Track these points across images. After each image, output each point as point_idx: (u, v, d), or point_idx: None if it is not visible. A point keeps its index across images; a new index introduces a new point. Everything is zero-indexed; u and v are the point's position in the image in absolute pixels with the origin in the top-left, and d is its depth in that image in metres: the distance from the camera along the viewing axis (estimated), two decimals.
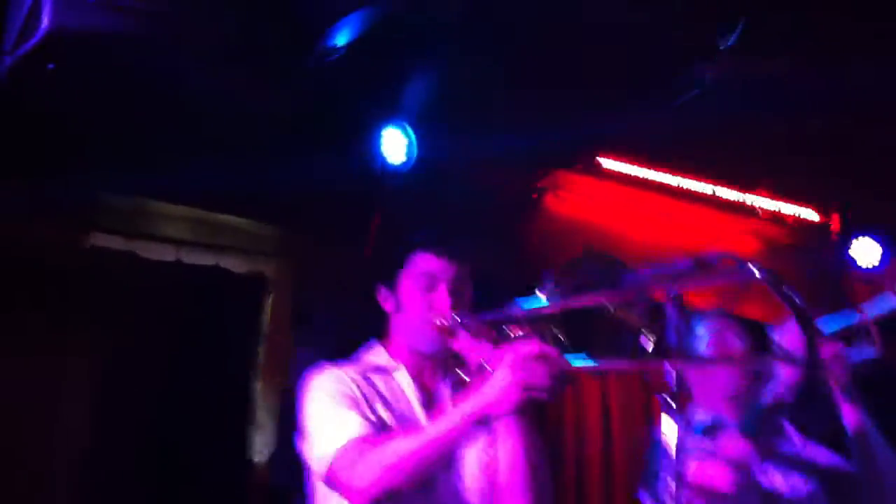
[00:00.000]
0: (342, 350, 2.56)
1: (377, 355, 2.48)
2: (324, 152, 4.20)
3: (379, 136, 4.35)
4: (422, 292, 2.39)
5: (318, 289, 4.44)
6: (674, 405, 1.96)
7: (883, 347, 2.34)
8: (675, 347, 2.05)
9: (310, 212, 4.38)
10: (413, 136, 4.40)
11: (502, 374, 1.92)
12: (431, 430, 2.05)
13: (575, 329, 2.01)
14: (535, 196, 5.02)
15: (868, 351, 2.39)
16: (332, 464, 2.18)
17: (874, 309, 2.42)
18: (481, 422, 1.99)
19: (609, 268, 2.07)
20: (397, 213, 4.42)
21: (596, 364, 2.01)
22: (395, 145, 4.38)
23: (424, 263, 2.42)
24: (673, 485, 1.88)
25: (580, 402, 5.21)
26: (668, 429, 1.94)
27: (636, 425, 5.19)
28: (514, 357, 1.90)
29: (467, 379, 2.28)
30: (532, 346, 1.92)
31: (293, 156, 4.04)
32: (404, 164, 4.40)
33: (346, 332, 2.57)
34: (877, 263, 5.46)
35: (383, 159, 4.36)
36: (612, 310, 2.00)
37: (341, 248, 4.39)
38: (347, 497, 2.16)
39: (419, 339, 2.40)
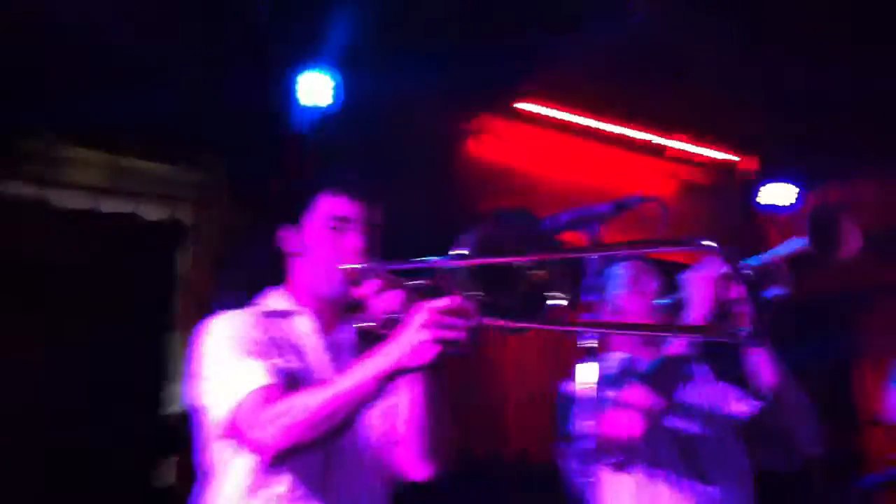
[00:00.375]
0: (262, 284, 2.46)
1: (278, 300, 2.35)
2: (245, 96, 4.12)
3: (301, 80, 4.30)
4: (329, 234, 2.27)
5: (240, 235, 4.37)
6: (591, 354, 1.99)
7: (792, 286, 2.41)
8: (594, 289, 2.09)
9: (230, 157, 4.31)
10: (336, 79, 4.35)
11: (417, 328, 1.82)
12: (343, 383, 1.94)
13: (490, 283, 1.98)
14: (457, 139, 5.03)
15: (778, 290, 2.45)
16: (233, 415, 2.06)
17: (785, 248, 2.48)
18: (394, 376, 1.90)
19: (525, 222, 2.06)
20: (320, 155, 4.37)
21: (511, 323, 1.97)
22: (317, 88, 4.33)
23: (334, 205, 2.29)
24: (587, 432, 1.91)
25: (497, 346, 5.28)
26: (585, 376, 1.96)
27: (552, 370, 5.28)
28: (430, 311, 1.81)
29: (371, 324, 2.17)
30: (449, 301, 1.83)
31: (213, 100, 3.96)
32: (328, 106, 4.35)
33: (271, 279, 2.46)
34: (789, 204, 5.62)
35: (306, 102, 4.31)
36: (528, 267, 1.99)
37: (263, 192, 4.32)
38: (251, 450, 2.06)
39: (324, 283, 2.27)
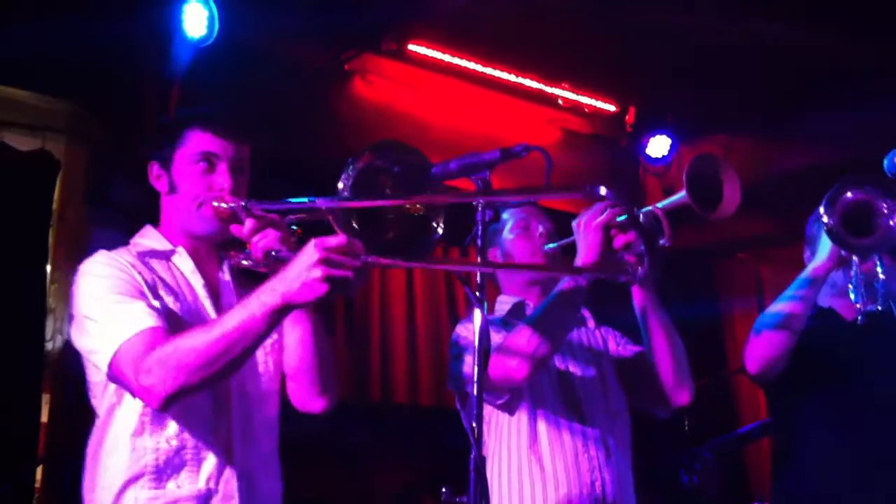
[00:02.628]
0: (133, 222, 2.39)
1: (152, 239, 2.29)
2: (120, 23, 3.94)
3: (179, 9, 4.13)
4: (199, 172, 2.22)
5: (114, 167, 4.21)
6: (479, 297, 2.00)
7: (672, 236, 2.47)
8: (482, 235, 2.10)
9: (104, 86, 4.13)
10: (215, 10, 4.20)
11: (308, 266, 1.80)
12: (230, 321, 1.91)
13: (370, 222, 1.97)
14: (341, 78, 4.94)
15: (658, 240, 2.51)
16: (117, 359, 2.01)
17: (667, 201, 2.54)
18: (282, 312, 1.89)
19: (409, 158, 2.04)
20: (197, 89, 4.23)
21: (399, 262, 1.96)
22: (196, 18, 4.17)
23: (202, 142, 2.23)
24: (475, 375, 1.93)
25: (385, 290, 5.29)
26: (474, 319, 1.98)
27: (441, 317, 5.34)
28: (319, 248, 1.79)
29: (249, 262, 2.17)
30: (339, 239, 1.82)
31: (86, 26, 3.77)
32: (205, 37, 4.20)
33: (148, 213, 2.39)
34: (664, 155, 5.76)
35: (183, 33, 4.15)
36: (407, 206, 1.99)
37: (137, 124, 4.17)
38: (138, 396, 2.02)
39: (195, 221, 2.24)
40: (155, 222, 2.34)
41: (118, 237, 2.33)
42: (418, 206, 2.00)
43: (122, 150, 4.17)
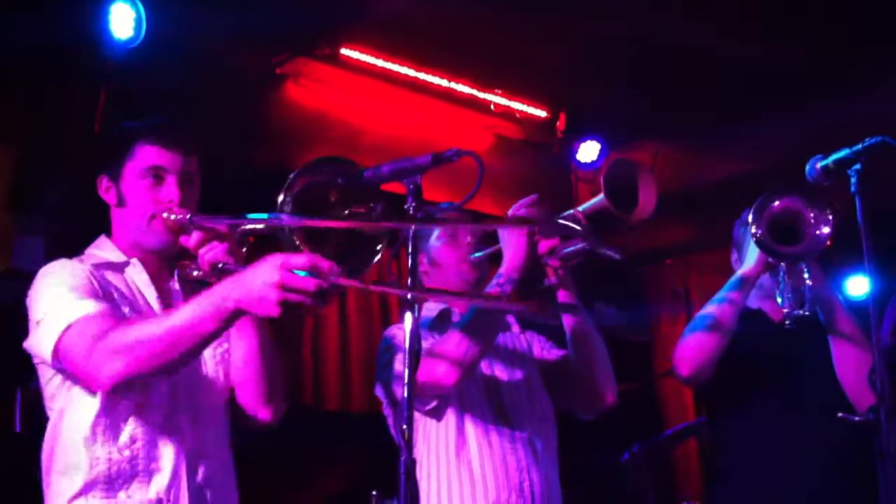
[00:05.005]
0: (73, 235, 2.39)
1: (106, 250, 2.31)
2: (46, 23, 3.87)
3: (106, 10, 4.06)
4: (147, 185, 2.24)
5: (42, 169, 4.13)
6: (411, 302, 2.02)
7: (594, 242, 2.51)
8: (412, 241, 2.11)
9: (29, 86, 4.05)
10: (142, 10, 4.13)
11: (264, 282, 1.80)
12: (180, 316, 1.93)
13: (314, 238, 1.99)
14: (273, 82, 4.90)
15: (581, 244, 2.56)
16: (63, 342, 2.02)
17: (587, 205, 2.59)
18: (233, 317, 1.90)
19: (347, 171, 2.06)
20: (125, 91, 4.17)
21: (353, 283, 2.01)
22: (123, 19, 4.10)
23: (150, 156, 2.26)
24: (405, 379, 1.95)
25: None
26: (405, 325, 1.99)
27: (373, 322, 5.32)
28: (281, 268, 1.79)
29: (195, 274, 2.20)
30: (303, 259, 1.82)
31: (11, 26, 3.69)
32: (132, 38, 4.13)
33: (78, 217, 2.38)
34: (595, 160, 5.83)
35: (110, 33, 4.08)
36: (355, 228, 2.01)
37: (64, 125, 4.09)
38: (83, 382, 2.04)
39: (146, 235, 2.26)
40: (86, 229, 2.34)
41: (50, 241, 2.32)
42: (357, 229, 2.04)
43: (49, 153, 4.09)
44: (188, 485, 2.15)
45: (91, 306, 2.07)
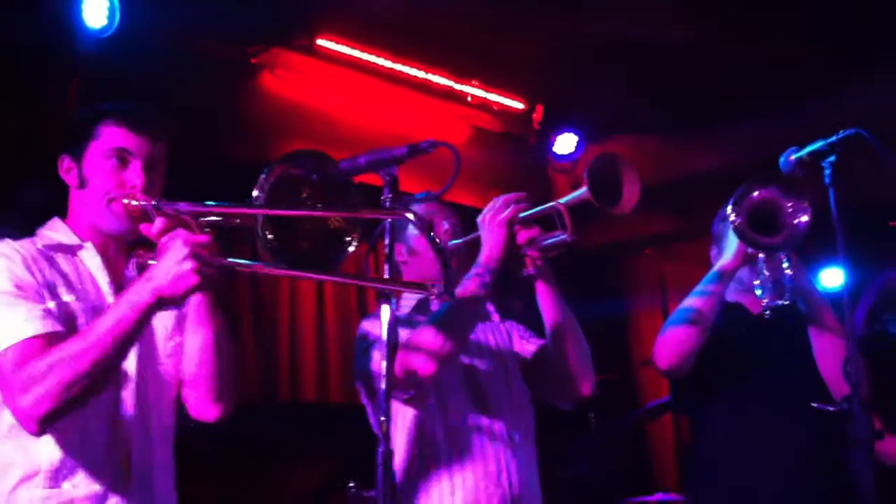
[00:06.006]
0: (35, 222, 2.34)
1: (59, 232, 2.23)
2: (18, 13, 3.82)
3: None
4: (111, 167, 2.17)
5: (10, 154, 4.07)
6: (386, 294, 2.01)
7: (574, 232, 2.51)
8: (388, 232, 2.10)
9: (1, 78, 4.00)
10: (116, 0, 4.09)
11: (177, 258, 1.85)
12: (100, 327, 1.90)
13: (284, 228, 1.98)
14: (249, 72, 4.88)
15: (561, 235, 2.55)
16: None
17: (569, 197, 2.58)
18: (153, 308, 1.90)
19: (321, 166, 2.05)
20: (98, 79, 4.13)
21: (302, 273, 2.01)
22: (96, 9, 4.06)
23: (116, 137, 2.18)
24: (382, 370, 1.94)
25: (295, 289, 5.24)
26: (381, 316, 1.99)
27: (350, 314, 5.32)
28: (187, 242, 1.84)
29: (152, 263, 2.09)
30: (204, 237, 1.88)
31: None
32: (106, 28, 4.09)
33: (53, 211, 2.33)
34: (572, 152, 5.84)
35: (84, 23, 4.04)
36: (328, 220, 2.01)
37: (34, 112, 4.04)
38: (15, 417, 1.97)
39: (104, 218, 2.19)
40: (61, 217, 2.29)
41: (15, 237, 2.26)
42: (337, 219, 2.02)
43: (20, 136, 4.04)
44: (134, 473, 2.12)
45: (20, 328, 1.99)
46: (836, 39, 4.59)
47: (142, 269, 2.23)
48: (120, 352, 1.95)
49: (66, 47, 4.06)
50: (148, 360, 2.22)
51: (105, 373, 1.96)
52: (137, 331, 1.93)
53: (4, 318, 2.00)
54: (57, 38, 4.04)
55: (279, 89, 4.99)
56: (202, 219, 2.10)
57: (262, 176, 1.97)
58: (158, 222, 2.06)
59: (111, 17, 4.08)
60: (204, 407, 2.25)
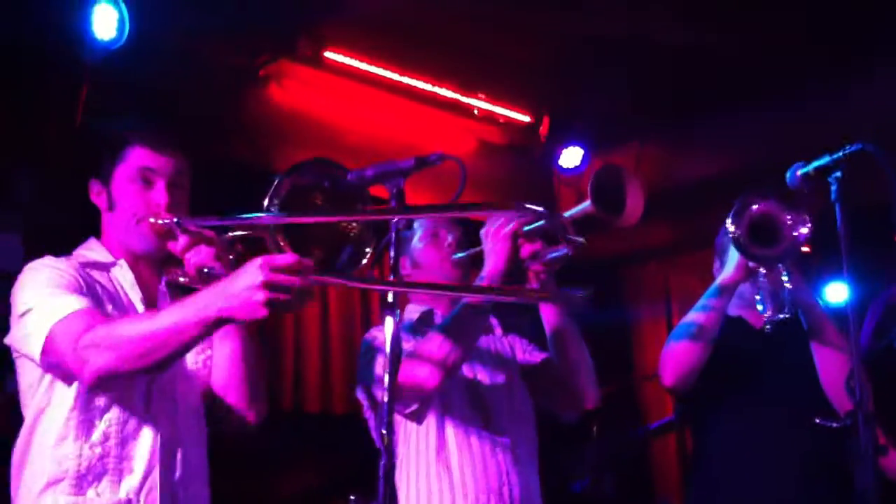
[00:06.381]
0: (50, 232, 2.40)
1: (95, 251, 2.33)
2: (28, 23, 3.85)
3: (89, 10, 4.04)
4: (137, 189, 2.26)
5: (20, 165, 4.10)
6: (392, 303, 2.02)
7: (578, 247, 2.52)
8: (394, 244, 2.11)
9: (8, 84, 4.02)
10: (125, 11, 4.12)
11: (251, 287, 1.80)
12: (165, 319, 1.94)
13: (299, 239, 1.99)
14: (256, 83, 4.89)
15: (563, 249, 2.56)
16: (52, 336, 2.03)
17: (574, 210, 2.59)
18: (216, 324, 1.91)
19: (330, 172, 2.07)
20: (107, 89, 4.16)
21: (334, 279, 2.02)
22: (106, 20, 4.08)
23: (141, 158, 2.28)
24: (385, 382, 1.95)
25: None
26: (385, 328, 1.99)
27: (354, 325, 5.32)
28: (265, 269, 1.79)
29: (182, 280, 2.21)
30: (287, 257, 1.82)
31: None
32: (115, 39, 4.11)
33: (55, 214, 2.38)
34: (576, 166, 5.85)
35: (92, 33, 4.07)
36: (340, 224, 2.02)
37: (45, 122, 4.07)
38: (72, 371, 2.03)
39: (134, 238, 2.28)
40: (64, 226, 2.34)
41: (26, 238, 2.32)
42: (353, 225, 2.04)
43: (27, 150, 4.07)
44: (161, 484, 2.15)
45: (78, 302, 2.08)
46: (836, 39, 4.59)
47: (172, 286, 2.31)
48: (176, 350, 1.97)
49: (74, 56, 4.08)
50: (178, 371, 2.26)
51: (157, 362, 1.98)
52: (198, 338, 1.95)
53: (58, 298, 2.09)
54: (66, 47, 4.06)
55: (286, 100, 5.00)
56: (231, 232, 2.17)
57: (276, 185, 2.00)
58: (181, 240, 2.16)
59: (121, 28, 4.09)
60: (243, 413, 2.32)
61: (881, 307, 3.18)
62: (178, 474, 2.20)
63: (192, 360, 2.32)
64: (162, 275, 2.34)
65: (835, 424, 2.50)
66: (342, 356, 5.18)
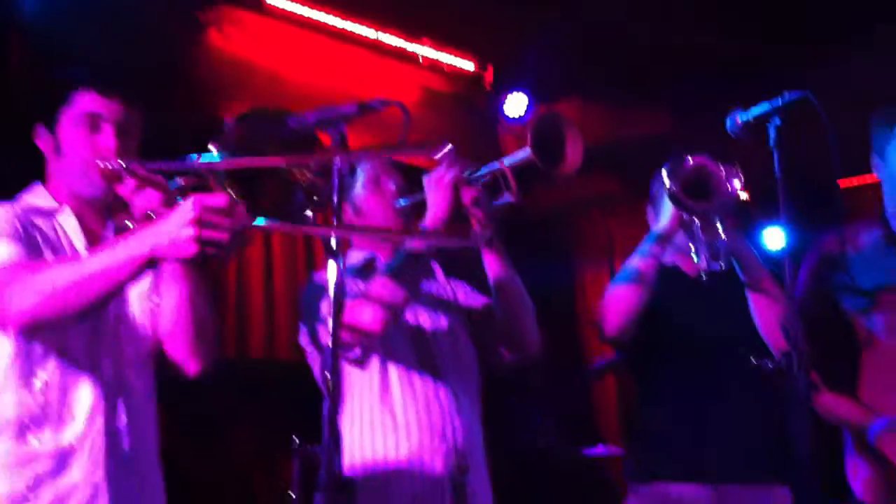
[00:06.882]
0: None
1: (39, 196, 2.29)
2: None
3: None
4: (85, 133, 2.23)
5: None
6: (335, 248, 2.01)
7: (518, 194, 2.53)
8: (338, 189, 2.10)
9: None
10: None
11: (182, 223, 1.78)
12: (93, 261, 1.92)
13: (245, 184, 1.98)
14: (198, 30, 4.79)
15: (506, 197, 2.57)
16: None
17: (512, 158, 2.60)
18: (148, 263, 1.87)
19: (278, 121, 2.05)
20: (42, 40, 4.05)
21: (274, 225, 2.01)
22: None
23: (88, 102, 2.24)
24: (329, 325, 1.95)
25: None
26: (329, 271, 1.99)
27: (298, 271, 5.30)
28: (197, 206, 1.77)
29: (131, 225, 2.16)
30: (218, 199, 1.80)
31: None
32: None
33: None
34: (522, 114, 5.85)
35: None
36: (284, 168, 2.00)
37: None
38: (1, 317, 2.01)
39: (81, 182, 2.25)
40: (7, 174, 2.30)
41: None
42: (303, 174, 2.01)
43: None
44: (105, 431, 2.14)
45: (10, 251, 2.06)
46: (787, 6, 4.63)
47: (119, 231, 2.26)
48: (107, 290, 1.94)
49: (4, 8, 3.97)
50: (123, 318, 2.25)
51: (87, 305, 1.95)
52: (129, 278, 1.91)
53: None
54: None
55: (227, 47, 4.91)
56: (179, 179, 2.13)
57: (223, 131, 1.98)
58: (129, 183, 2.12)
59: None
60: (186, 360, 2.29)
61: (817, 254, 3.24)
62: (123, 421, 2.19)
63: (137, 306, 2.30)
64: (108, 220, 2.31)
65: (770, 365, 2.56)
66: (286, 302, 5.17)
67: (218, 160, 1.96)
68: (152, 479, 2.29)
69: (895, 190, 3.10)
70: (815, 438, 2.37)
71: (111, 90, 2.25)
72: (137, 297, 2.30)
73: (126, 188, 2.14)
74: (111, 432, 2.16)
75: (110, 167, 2.18)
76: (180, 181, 2.16)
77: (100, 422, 2.14)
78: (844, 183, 6.14)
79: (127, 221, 2.19)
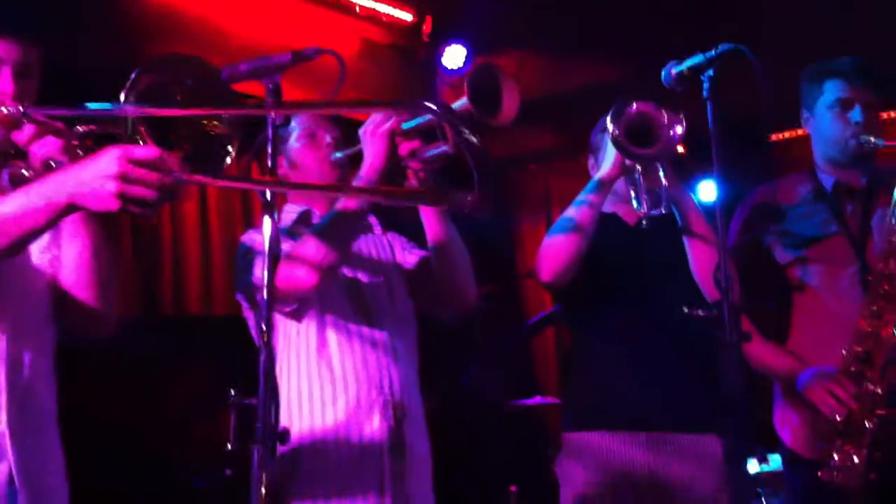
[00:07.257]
0: None
1: None
2: None
3: None
4: None
5: None
6: (270, 203, 1.99)
7: (454, 144, 2.51)
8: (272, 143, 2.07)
9: None
10: None
11: (102, 173, 1.69)
12: (8, 203, 1.81)
13: (157, 133, 1.90)
14: None
15: (442, 147, 2.56)
16: None
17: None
18: (65, 211, 1.79)
19: (197, 69, 1.99)
20: None
21: (206, 179, 1.93)
22: None
23: None
24: (265, 281, 1.93)
25: (177, 203, 5.11)
26: (263, 227, 1.97)
27: (235, 225, 5.24)
28: (122, 160, 1.68)
29: (26, 174, 2.05)
30: (148, 151, 1.71)
31: None
32: None
33: None
34: (461, 66, 5.81)
35: None
36: (201, 118, 1.94)
37: None
38: None
39: None
40: None
41: None
42: (215, 123, 1.95)
43: None
44: (7, 387, 2.07)
45: None
46: None
47: (15, 179, 2.13)
48: (18, 238, 1.84)
49: None
50: (21, 272, 2.15)
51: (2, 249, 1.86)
52: (44, 226, 1.83)
53: None
54: None
55: None
56: (81, 126, 2.03)
57: (132, 78, 1.89)
58: (27, 129, 2.00)
59: None
60: (86, 321, 2.21)
61: (749, 205, 3.29)
62: (26, 376, 2.11)
63: (37, 258, 2.20)
64: (3, 168, 2.17)
65: (701, 312, 2.60)
66: (223, 257, 5.12)
67: (125, 107, 1.86)
68: (50, 436, 2.21)
69: (824, 145, 3.17)
70: (745, 387, 2.43)
71: (6, 29, 2.12)
72: (36, 251, 2.20)
73: (23, 135, 2.02)
74: (15, 388, 2.08)
75: (7, 111, 2.05)
76: (86, 129, 2.05)
77: (1, 377, 2.07)
78: (776, 136, 6.27)
79: (24, 170, 2.09)
